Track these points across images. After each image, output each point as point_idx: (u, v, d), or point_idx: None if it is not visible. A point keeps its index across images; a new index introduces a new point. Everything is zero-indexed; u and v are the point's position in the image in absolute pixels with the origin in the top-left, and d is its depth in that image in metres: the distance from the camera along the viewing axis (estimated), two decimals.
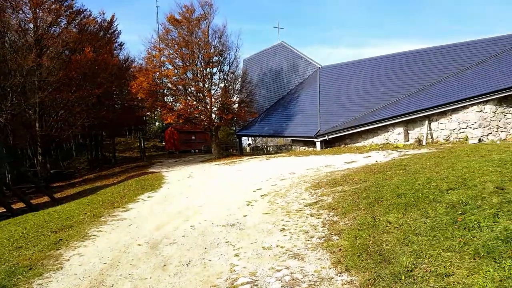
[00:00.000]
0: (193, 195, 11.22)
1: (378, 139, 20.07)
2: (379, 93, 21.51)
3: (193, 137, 41.39)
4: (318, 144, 22.86)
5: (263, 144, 39.38)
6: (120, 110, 35.08)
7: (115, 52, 38.85)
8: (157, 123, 63.96)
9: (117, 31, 38.42)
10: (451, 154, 11.69)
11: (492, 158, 9.59)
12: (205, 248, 6.40)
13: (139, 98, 27.99)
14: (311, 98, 26.29)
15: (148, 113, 47.94)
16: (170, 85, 26.95)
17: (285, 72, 31.08)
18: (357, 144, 21.30)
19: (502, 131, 15.33)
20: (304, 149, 25.15)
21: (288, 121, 26.40)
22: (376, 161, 12.59)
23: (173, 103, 27.88)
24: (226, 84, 26.96)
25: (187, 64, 25.39)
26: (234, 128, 32.91)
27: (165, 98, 28.38)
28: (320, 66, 28.51)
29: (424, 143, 17.52)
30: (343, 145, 22.22)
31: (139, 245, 7.27)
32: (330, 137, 21.98)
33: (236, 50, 27.20)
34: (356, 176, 10.00)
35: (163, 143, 47.19)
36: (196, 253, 6.25)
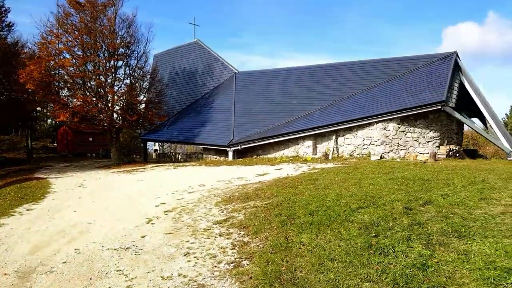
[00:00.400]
0: (82, 209, 9.86)
1: (289, 151, 20.62)
2: (292, 105, 22.22)
3: (90, 139, 38.01)
4: (230, 154, 22.63)
5: (171, 151, 37.95)
6: (5, 103, 30.50)
7: (1, 33, 33.89)
8: (49, 121, 57.41)
9: (4, 8, 33.55)
10: (356, 170, 12.35)
11: (395, 176, 10.29)
12: (90, 278, 5.44)
13: (29, 90, 24.55)
14: (226, 104, 26.05)
15: (39, 108, 42.72)
16: (66, 77, 24.20)
17: (199, 73, 30.40)
18: (269, 156, 21.61)
19: (401, 149, 16.90)
20: (216, 158, 24.73)
21: (200, 128, 25.72)
22: (288, 174, 12.71)
23: (69, 98, 25.08)
24: (133, 81, 25.22)
25: (88, 54, 23.09)
26: (139, 131, 31.01)
27: (60, 92, 25.39)
28: (237, 71, 28.53)
29: (330, 157, 18.47)
30: (255, 156, 22.35)
31: (5, 274, 5.95)
32: (243, 147, 21.94)
33: (146, 43, 25.64)
34: (268, 190, 9.85)
35: (55, 144, 42.41)
36: (77, 285, 5.26)
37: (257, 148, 22.15)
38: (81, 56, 23.15)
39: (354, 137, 18.24)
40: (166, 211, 8.90)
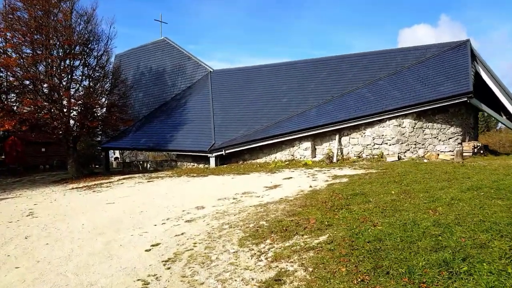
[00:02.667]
0: (29, 264, 6.02)
1: (283, 155, 17.48)
2: (282, 103, 19.12)
3: (43, 150, 32.71)
4: (212, 160, 19.10)
5: (137, 160, 33.58)
6: None
7: None
8: None
9: None
10: (398, 176, 9.44)
11: (472, 184, 7.45)
12: None
13: None
14: (202, 105, 22.47)
15: None
16: (11, 79, 19.54)
17: (168, 73, 26.54)
18: (258, 161, 18.34)
19: (420, 148, 14.31)
20: (193, 165, 21.06)
21: (173, 132, 21.94)
22: (311, 187, 9.51)
23: (16, 103, 20.34)
24: (92, 83, 20.97)
25: (39, 52, 18.66)
26: (99, 139, 26.58)
27: (4, 96, 20.57)
28: (212, 70, 25.01)
29: (335, 159, 15.56)
30: (241, 162, 18.99)
31: None
32: (227, 152, 18.51)
33: (108, 41, 21.42)
34: (308, 215, 6.61)
35: (3, 157, 36.37)
36: None
37: (244, 152, 18.81)
38: (31, 55, 18.69)
39: (361, 136, 15.43)
40: (166, 260, 5.36)
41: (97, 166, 40.92)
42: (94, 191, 13.27)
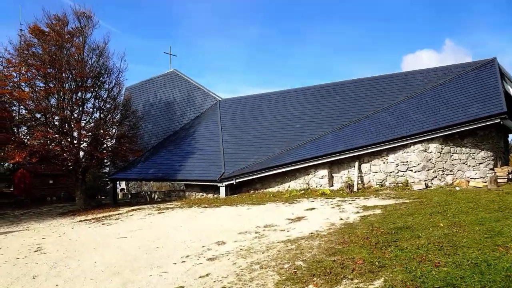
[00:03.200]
0: None
1: (297, 183, 16.52)
2: (295, 129, 18.37)
3: (51, 182, 31.88)
4: (222, 190, 18.13)
5: (144, 190, 32.62)
6: None
7: None
8: (6, 164, 49.50)
9: None
10: (445, 206, 8.46)
11: None
12: None
13: None
14: (211, 134, 21.78)
15: None
16: (24, 112, 19.13)
17: (178, 104, 26.09)
18: (270, 190, 17.35)
19: (448, 174, 13.32)
20: (202, 195, 20.07)
21: (182, 162, 21.13)
22: (342, 219, 8.53)
23: (26, 136, 19.78)
24: (103, 114, 20.42)
25: (51, 85, 18.31)
26: (108, 170, 25.82)
27: (16, 129, 20.07)
28: (221, 99, 24.55)
29: (355, 188, 14.57)
30: (252, 191, 18.01)
31: None
32: (238, 181, 17.58)
33: (119, 74, 21.10)
34: (352, 254, 5.62)
35: (12, 189, 35.55)
36: None
37: (255, 181, 17.87)
38: (43, 88, 18.36)
39: (384, 162, 14.51)
40: None
41: (103, 198, 39.93)
42: (103, 224, 12.30)
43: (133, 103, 24.76)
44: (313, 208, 10.51)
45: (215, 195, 19.40)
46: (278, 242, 7.03)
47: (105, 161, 23.24)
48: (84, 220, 14.67)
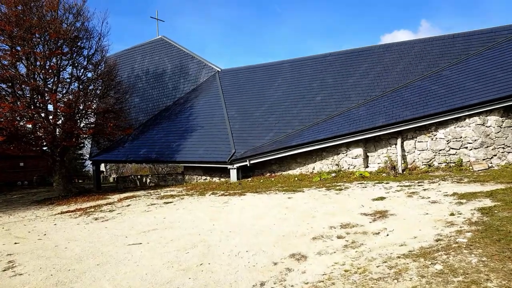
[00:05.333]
0: None
1: (324, 165, 14.10)
2: (316, 102, 15.80)
3: (22, 164, 28.24)
4: (233, 173, 15.52)
5: (131, 174, 29.54)
6: None
7: None
8: None
9: None
10: None
11: None
12: None
13: None
14: (213, 109, 18.92)
15: None
16: None
17: (169, 75, 22.90)
18: (290, 172, 14.89)
19: (509, 152, 11.18)
20: (206, 179, 17.41)
21: (179, 140, 18.27)
22: (453, 214, 6.11)
23: None
24: (82, 85, 17.07)
25: (19, 48, 14.83)
26: (89, 150, 22.61)
27: None
28: (220, 69, 21.55)
29: (400, 170, 12.29)
30: (268, 174, 15.50)
31: None
32: (253, 162, 14.99)
33: (100, 38, 17.64)
34: None
35: None
36: None
37: (271, 162, 15.34)
38: (9, 52, 14.82)
39: (432, 139, 12.24)
40: None
41: (80, 181, 36.52)
42: (95, 219, 9.47)
43: (116, 74, 21.40)
44: (382, 198, 8.07)
45: (223, 179, 16.77)
46: (398, 257, 4.54)
47: (87, 140, 20.10)
48: (67, 212, 11.77)
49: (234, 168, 15.43)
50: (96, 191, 19.14)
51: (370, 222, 6.24)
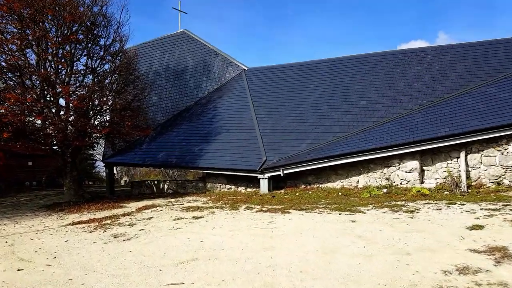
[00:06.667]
0: None
1: (371, 178, 12.49)
2: (360, 107, 14.22)
3: (30, 163, 27.08)
4: (264, 183, 14.00)
5: (147, 179, 28.28)
6: None
7: None
8: None
9: None
10: None
11: None
12: None
13: None
14: (239, 111, 17.47)
15: None
16: None
17: (190, 72, 21.56)
18: (329, 185, 13.31)
19: None
20: (230, 188, 15.95)
21: (202, 144, 16.85)
22: None
23: None
24: (98, 78, 15.76)
25: (29, 32, 13.57)
26: (104, 152, 21.37)
27: None
28: (246, 68, 20.13)
29: (464, 187, 10.63)
30: (303, 186, 13.95)
31: None
32: (287, 172, 13.44)
33: (119, 27, 16.34)
34: None
35: None
36: None
37: (306, 173, 13.79)
38: (18, 35, 13.53)
39: (502, 153, 10.58)
40: None
41: (90, 183, 35.35)
42: (115, 236, 8.01)
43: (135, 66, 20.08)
44: (480, 226, 6.44)
45: (250, 189, 15.28)
46: None
47: (101, 140, 18.78)
48: (79, 223, 10.38)
49: (265, 178, 13.91)
50: (110, 197, 17.78)
51: (495, 265, 4.64)
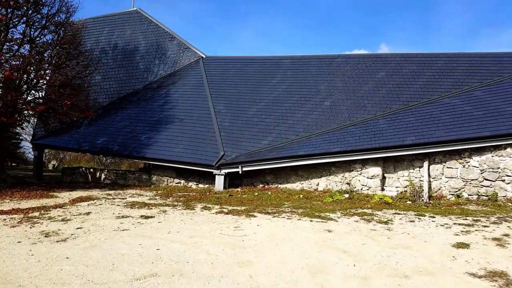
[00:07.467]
0: None
1: (331, 182, 12.06)
2: (324, 108, 13.74)
3: None
4: (219, 180, 12.96)
5: (82, 167, 25.91)
6: None
7: None
8: None
9: None
10: None
11: None
12: None
13: None
14: (195, 100, 16.18)
15: None
16: None
17: (141, 54, 19.67)
18: (288, 186, 12.68)
19: None
20: (179, 183, 14.68)
21: (150, 133, 15.33)
22: None
23: None
24: (36, 49, 13.47)
25: None
26: (34, 132, 18.70)
27: None
28: (204, 56, 18.80)
29: (425, 198, 10.58)
30: (261, 185, 13.16)
31: None
32: (246, 169, 12.55)
33: None
34: None
35: None
36: None
37: (265, 172, 13.03)
38: None
39: (464, 166, 10.67)
40: None
41: (13, 165, 31.46)
42: (46, 235, 6.45)
43: (78, 43, 17.75)
44: (466, 244, 6.05)
45: (201, 185, 14.15)
46: None
47: (34, 118, 16.34)
48: (0, 213, 8.54)
49: (221, 175, 12.87)
50: (37, 183, 15.47)
51: None
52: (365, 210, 9.19)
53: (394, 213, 8.85)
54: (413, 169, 11.24)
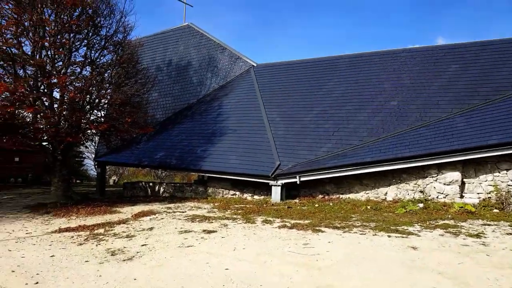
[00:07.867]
0: None
1: (402, 190, 10.99)
2: (390, 108, 12.73)
3: (17, 159, 25.14)
4: (276, 191, 12.42)
5: (140, 182, 26.61)
6: None
7: None
8: None
9: None
10: None
11: None
12: None
13: None
14: (248, 110, 15.90)
15: None
16: None
17: (194, 68, 19.93)
18: (352, 196, 11.79)
19: None
20: (234, 195, 14.37)
21: (205, 145, 15.25)
22: None
23: None
24: (97, 70, 14.03)
25: (26, 16, 11.86)
26: (97, 150, 19.62)
27: None
28: (255, 64, 18.59)
29: None
30: (320, 195, 12.39)
31: None
32: (304, 179, 11.89)
33: (122, 16, 14.68)
34: None
35: None
36: None
37: (324, 181, 12.25)
38: (14, 21, 11.78)
39: None
40: None
41: (78, 181, 33.38)
42: (112, 253, 6.33)
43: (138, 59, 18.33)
44: None
45: (257, 196, 13.72)
46: None
47: (96, 137, 17.06)
48: (66, 230, 8.69)
49: (278, 185, 12.33)
50: (100, 198, 16.03)
51: None
52: (446, 222, 8.13)
53: (483, 224, 7.71)
54: (499, 172, 9.88)
